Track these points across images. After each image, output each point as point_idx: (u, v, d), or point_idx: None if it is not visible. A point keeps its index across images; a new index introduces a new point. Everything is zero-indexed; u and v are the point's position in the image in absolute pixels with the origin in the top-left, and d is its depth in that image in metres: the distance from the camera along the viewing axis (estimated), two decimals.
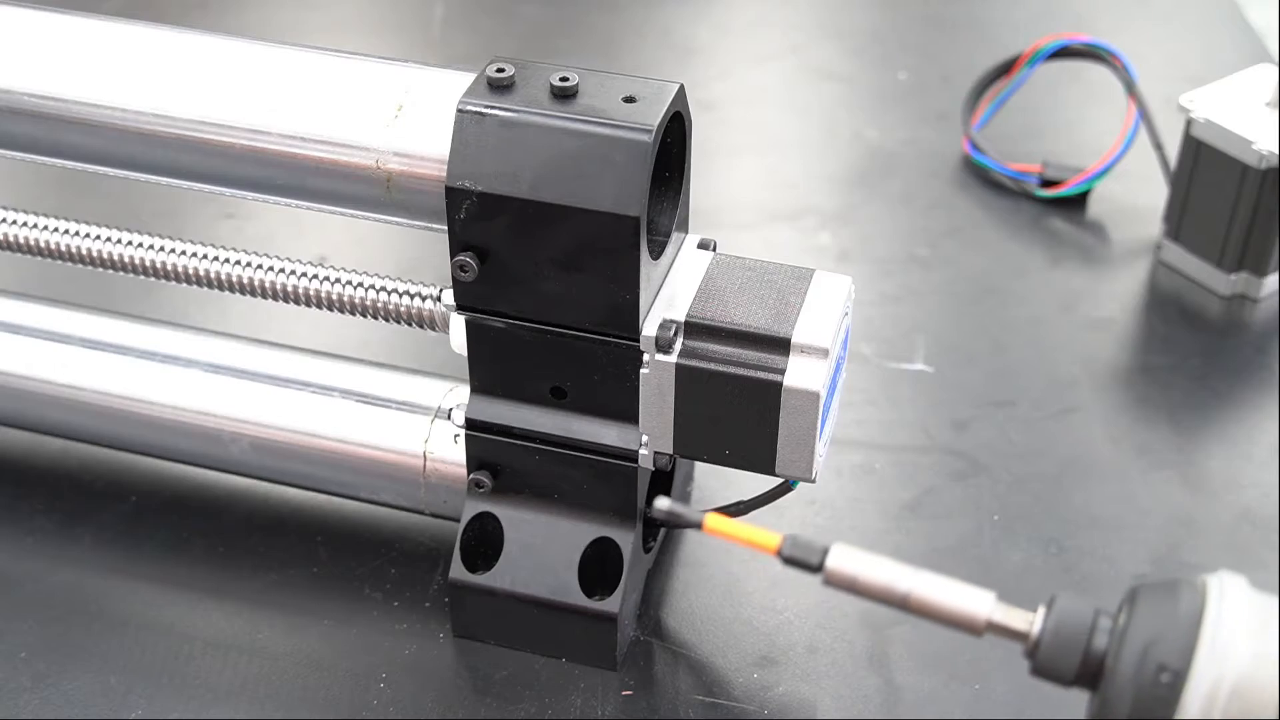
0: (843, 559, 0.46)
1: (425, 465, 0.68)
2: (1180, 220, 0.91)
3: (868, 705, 0.67)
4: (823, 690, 0.67)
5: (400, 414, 0.69)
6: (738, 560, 0.73)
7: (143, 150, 0.64)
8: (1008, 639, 0.46)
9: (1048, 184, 0.98)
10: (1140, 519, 0.75)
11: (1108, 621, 0.45)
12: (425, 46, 1.15)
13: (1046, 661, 0.45)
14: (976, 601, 0.46)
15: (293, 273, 0.68)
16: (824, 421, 0.61)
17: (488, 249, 0.60)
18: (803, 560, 0.46)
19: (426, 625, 0.69)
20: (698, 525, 0.46)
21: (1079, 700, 0.67)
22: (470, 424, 0.65)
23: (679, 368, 0.60)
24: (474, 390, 0.65)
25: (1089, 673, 0.45)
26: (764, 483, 0.64)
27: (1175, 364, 0.87)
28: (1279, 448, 0.80)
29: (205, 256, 0.69)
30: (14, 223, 0.71)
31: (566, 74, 0.59)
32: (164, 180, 0.66)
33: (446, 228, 0.60)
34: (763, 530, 0.47)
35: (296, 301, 0.68)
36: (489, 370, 0.64)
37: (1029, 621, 0.46)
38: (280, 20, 1.18)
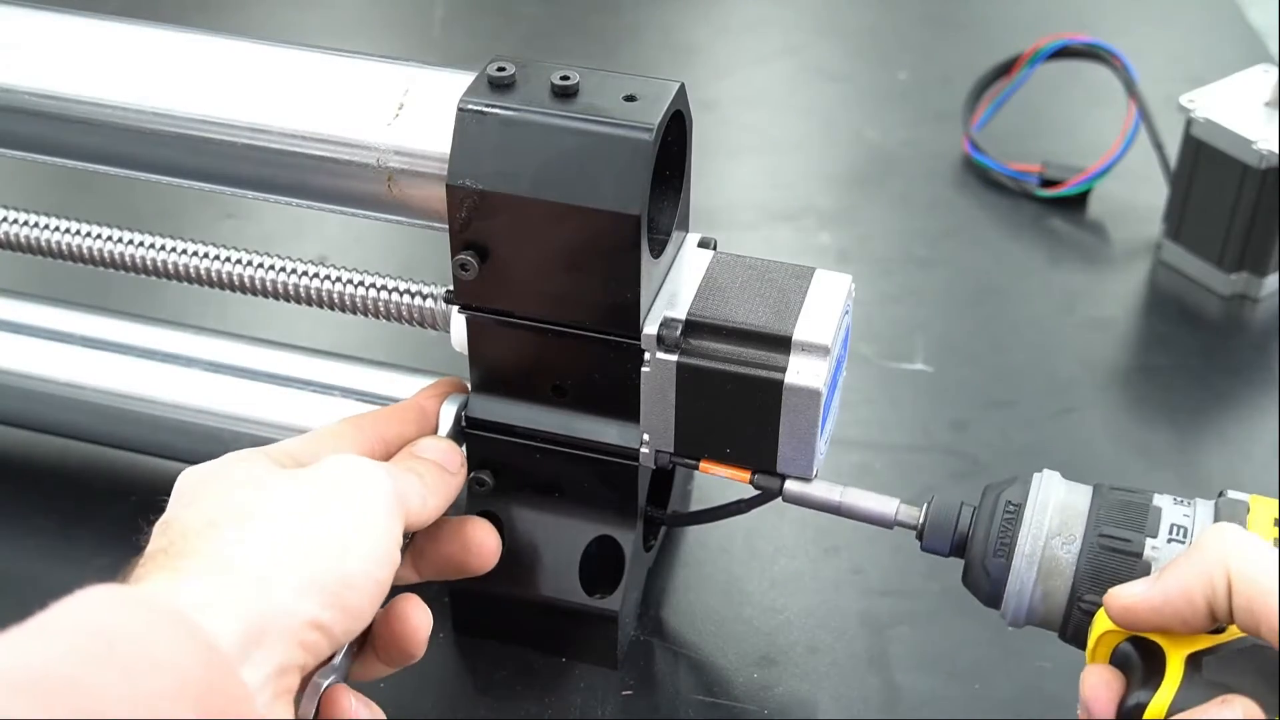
0: (794, 485, 0.62)
1: None
2: (1180, 220, 0.91)
3: (868, 705, 0.67)
4: (823, 690, 0.67)
5: None
6: (738, 560, 0.73)
7: (144, 149, 0.64)
8: (906, 529, 0.61)
9: (1048, 184, 0.98)
10: None
11: (969, 508, 0.60)
12: (425, 46, 1.15)
13: (930, 539, 0.60)
14: (885, 505, 0.61)
15: (293, 272, 0.68)
16: (825, 420, 0.61)
17: (488, 247, 0.59)
18: (767, 488, 0.62)
19: None
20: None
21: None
22: (471, 423, 0.65)
23: (680, 366, 0.60)
24: (475, 389, 0.64)
25: (960, 542, 0.60)
26: None
27: (1175, 364, 0.87)
28: (1279, 448, 0.80)
29: (205, 256, 0.69)
30: (14, 222, 0.71)
31: (567, 73, 0.59)
32: (165, 179, 0.66)
33: (447, 226, 0.60)
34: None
35: (297, 300, 0.68)
36: (490, 369, 0.64)
37: (917, 514, 0.61)
38: (280, 20, 1.18)
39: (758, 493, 0.63)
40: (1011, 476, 0.59)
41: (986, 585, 0.58)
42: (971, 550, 0.59)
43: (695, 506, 0.75)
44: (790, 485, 0.62)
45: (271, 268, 0.68)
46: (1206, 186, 0.89)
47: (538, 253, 0.59)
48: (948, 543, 0.60)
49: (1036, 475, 0.59)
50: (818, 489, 0.62)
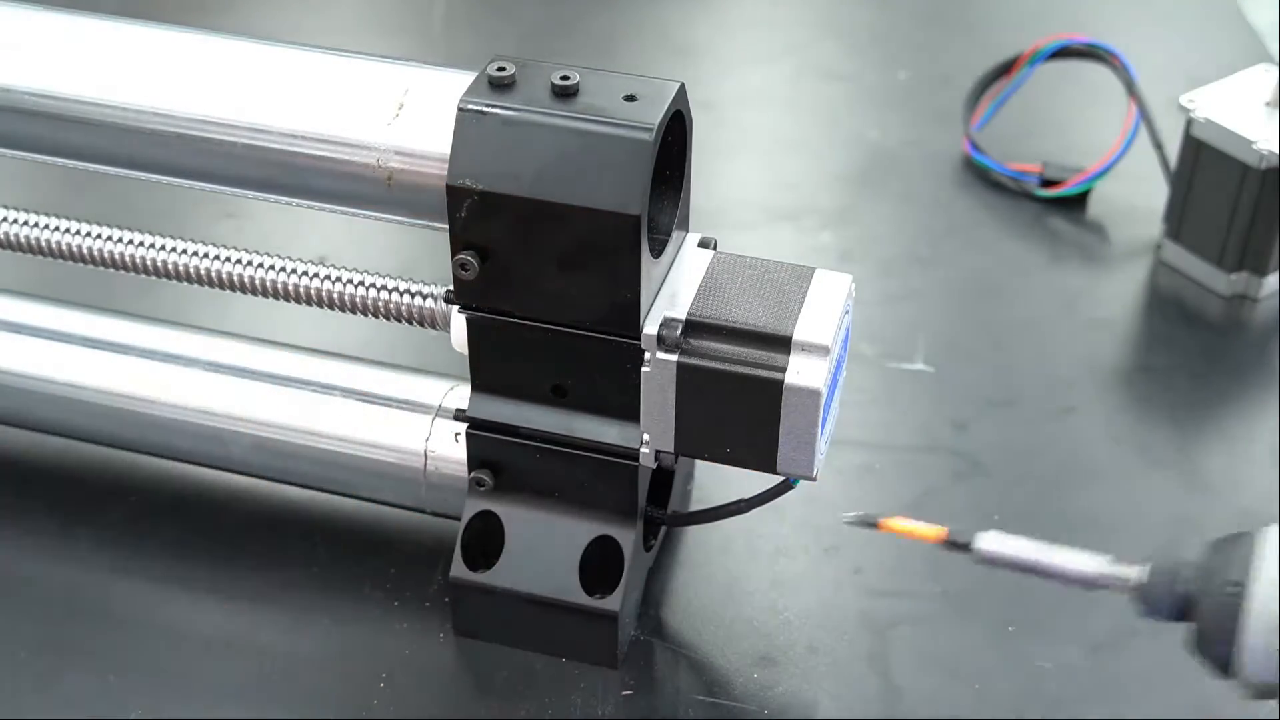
0: (987, 542, 0.56)
1: (426, 464, 0.68)
2: (1180, 220, 0.91)
3: (868, 705, 0.67)
4: (823, 690, 0.67)
5: (401, 413, 0.69)
6: (738, 560, 0.73)
7: (144, 149, 0.64)
8: (1119, 592, 0.55)
9: (1048, 184, 0.98)
10: (1140, 519, 0.75)
11: (1190, 569, 0.53)
12: (425, 46, 1.15)
13: (1150, 604, 0.54)
14: (1091, 563, 0.55)
15: (293, 271, 0.68)
16: (825, 420, 0.61)
17: (489, 247, 0.60)
18: (959, 544, 0.56)
19: (426, 625, 0.69)
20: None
21: (1080, 701, 0.67)
22: (471, 423, 0.65)
23: (680, 366, 0.60)
24: (475, 389, 0.64)
25: (1180, 607, 0.53)
26: (764, 481, 0.64)
27: (1175, 364, 0.87)
28: (1279, 448, 0.80)
29: (205, 255, 0.69)
30: (14, 222, 0.71)
31: (567, 73, 0.59)
32: (164, 179, 0.66)
33: (447, 226, 0.60)
34: (928, 526, 0.58)
35: (297, 300, 0.68)
36: (490, 369, 0.64)
37: (1132, 574, 0.55)
38: (280, 21, 1.18)
39: (758, 493, 0.63)
40: (1237, 533, 0.53)
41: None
42: (1203, 621, 0.53)
43: (695, 506, 0.75)
44: (982, 544, 0.56)
45: (271, 268, 0.68)
46: (1206, 186, 0.89)
47: (538, 253, 0.59)
48: (1169, 609, 0.54)
49: (1260, 535, 0.52)
50: (1009, 546, 0.55)
